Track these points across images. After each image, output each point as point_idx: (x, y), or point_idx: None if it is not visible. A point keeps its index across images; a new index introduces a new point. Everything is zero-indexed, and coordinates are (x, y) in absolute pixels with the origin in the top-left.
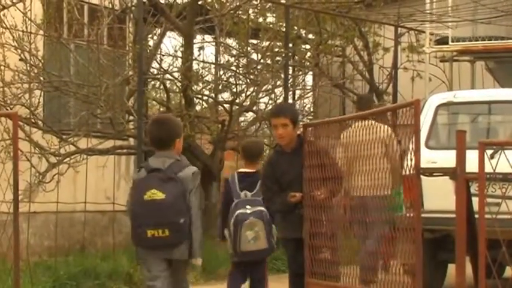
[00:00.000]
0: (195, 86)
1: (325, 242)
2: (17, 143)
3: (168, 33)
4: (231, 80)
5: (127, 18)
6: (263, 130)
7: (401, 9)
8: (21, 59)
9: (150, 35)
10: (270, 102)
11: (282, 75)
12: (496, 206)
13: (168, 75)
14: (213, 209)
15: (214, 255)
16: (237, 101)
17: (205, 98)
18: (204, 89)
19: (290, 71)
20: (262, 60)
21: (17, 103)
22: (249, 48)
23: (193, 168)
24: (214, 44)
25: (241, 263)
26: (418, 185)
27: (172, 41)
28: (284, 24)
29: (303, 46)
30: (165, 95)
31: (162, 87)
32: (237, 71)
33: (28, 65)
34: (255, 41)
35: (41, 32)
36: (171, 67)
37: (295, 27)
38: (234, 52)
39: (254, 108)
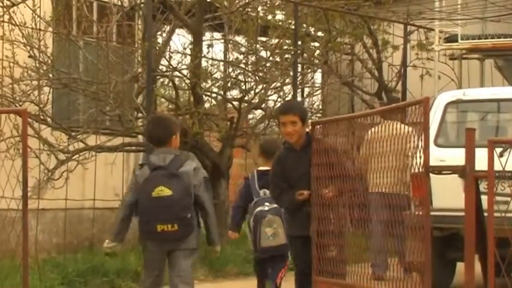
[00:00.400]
0: (204, 84)
1: (332, 240)
2: (26, 140)
3: (177, 31)
4: (240, 77)
5: (136, 15)
6: (272, 128)
7: (410, 7)
8: (30, 56)
9: (159, 32)
10: (279, 99)
11: (291, 73)
12: (505, 204)
13: (176, 73)
14: (221, 206)
15: (223, 253)
16: (246, 98)
17: (214, 95)
18: (212, 87)
19: (299, 69)
20: (271, 58)
21: (26, 100)
22: (257, 46)
23: (193, 162)
24: (223, 41)
25: (262, 259)
26: (427, 183)
27: (181, 39)
28: (293, 22)
29: (312, 44)
30: (174, 93)
31: (170, 84)
32: (246, 68)
33: (37, 62)
34: (264, 39)
35: (50, 29)
36: (179, 64)
37: (304, 25)
38: (243, 49)
39: (263, 105)
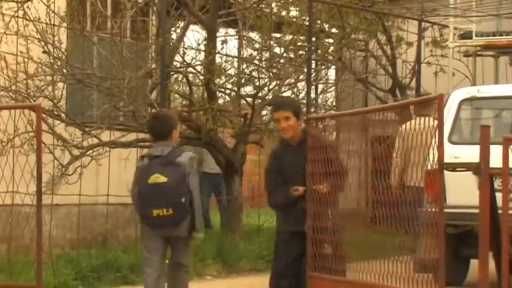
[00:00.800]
0: (218, 80)
1: (328, 236)
2: (40, 136)
3: (191, 27)
4: (254, 73)
5: (150, 11)
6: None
7: (425, 3)
8: (44, 52)
9: (173, 28)
10: (293, 96)
11: (305, 69)
12: None
13: (190, 69)
14: (235, 202)
15: (235, 249)
16: (260, 94)
17: (227, 91)
18: (226, 83)
19: (313, 65)
20: (285, 54)
21: (40, 95)
22: (272, 42)
23: (190, 153)
24: (237, 37)
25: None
26: (441, 179)
27: (195, 34)
28: (307, 18)
29: (326, 40)
30: (188, 89)
31: (184, 80)
32: (260, 64)
33: (51, 57)
34: (278, 35)
35: (64, 24)
36: (193, 60)
37: (318, 21)
38: (257, 46)
39: None
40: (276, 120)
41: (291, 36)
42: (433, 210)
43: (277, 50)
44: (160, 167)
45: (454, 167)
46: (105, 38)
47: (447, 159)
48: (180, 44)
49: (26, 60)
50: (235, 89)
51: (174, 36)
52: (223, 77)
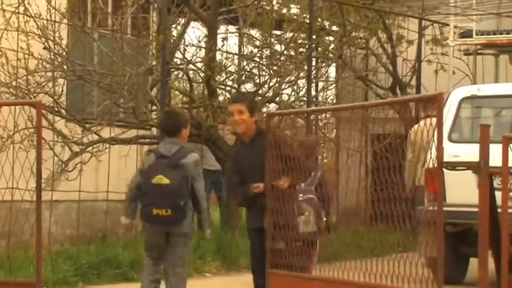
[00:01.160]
0: (218, 77)
1: (286, 232)
2: (41, 132)
3: (192, 24)
4: (254, 71)
5: (151, 8)
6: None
7: (425, 1)
8: (45, 48)
9: (173, 25)
10: (293, 93)
11: (305, 67)
12: None
13: (191, 66)
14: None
15: (235, 246)
16: (260, 92)
17: (228, 88)
18: (227, 80)
19: (313, 63)
20: (285, 52)
21: (40, 91)
22: (272, 39)
23: (195, 155)
24: (237, 34)
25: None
26: (440, 178)
27: (195, 31)
28: (308, 16)
29: (327, 38)
30: (188, 85)
31: (185, 77)
32: (260, 62)
33: (52, 53)
34: (278, 32)
35: (65, 20)
36: (194, 57)
37: (319, 19)
38: (258, 43)
39: (277, 99)
40: (230, 113)
41: (291, 34)
42: (433, 208)
43: (277, 47)
44: (165, 168)
45: (453, 166)
46: (105, 35)
47: (447, 157)
48: (180, 41)
49: (26, 56)
50: (236, 86)
51: (174, 33)
52: (223, 74)
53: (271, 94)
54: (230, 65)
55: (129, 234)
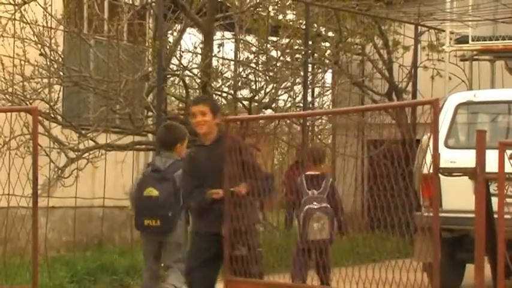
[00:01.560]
0: (215, 83)
1: (244, 238)
2: (37, 138)
3: (188, 30)
4: (251, 77)
5: (147, 14)
6: (281, 127)
7: (421, 7)
8: (41, 54)
9: (170, 31)
10: (289, 99)
11: (302, 73)
12: None
13: (187, 72)
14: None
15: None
16: (256, 98)
17: (224, 94)
18: (223, 86)
19: (309, 69)
20: (281, 58)
21: (36, 98)
22: (268, 46)
23: None
24: (233, 40)
25: (306, 251)
26: (436, 184)
27: (192, 38)
28: (304, 22)
29: (323, 44)
30: (185, 91)
31: (181, 83)
32: (257, 68)
33: (48, 60)
34: (274, 38)
35: (61, 27)
36: (190, 63)
37: (315, 25)
38: (254, 49)
39: (273, 105)
40: (193, 115)
41: (287, 40)
42: (429, 214)
43: (273, 53)
44: (155, 182)
45: (450, 172)
46: (102, 41)
47: (443, 163)
48: (176, 47)
49: (22, 62)
50: (232, 92)
51: (171, 39)
52: (219, 80)
53: (267, 100)
54: (226, 71)
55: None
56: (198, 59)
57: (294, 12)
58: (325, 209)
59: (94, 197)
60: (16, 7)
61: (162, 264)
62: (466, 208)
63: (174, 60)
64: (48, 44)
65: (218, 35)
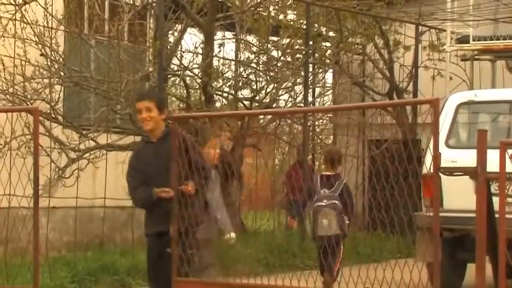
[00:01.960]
0: (215, 83)
1: (193, 238)
2: (38, 138)
3: (189, 30)
4: (251, 77)
5: (148, 14)
6: (282, 128)
7: (422, 7)
8: (42, 54)
9: (170, 31)
10: (290, 99)
11: (302, 73)
12: None
13: (188, 72)
14: (232, 206)
15: (233, 252)
16: (257, 98)
17: (225, 94)
18: (224, 86)
19: (310, 69)
20: (282, 58)
21: (37, 98)
22: (269, 46)
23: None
24: (234, 40)
25: (321, 249)
26: (437, 184)
27: (192, 38)
28: (305, 22)
29: (324, 44)
30: (185, 92)
31: (182, 83)
32: (257, 68)
33: (49, 60)
34: (275, 38)
35: (62, 27)
36: (191, 63)
37: (316, 25)
38: (254, 49)
39: (274, 105)
40: (138, 111)
41: (288, 40)
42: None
43: (274, 53)
44: None
45: (451, 171)
46: (102, 41)
47: (444, 163)
48: (177, 47)
49: (23, 63)
50: (233, 92)
51: (171, 39)
52: (220, 80)
53: (268, 100)
54: (227, 71)
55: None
56: (199, 59)
57: (295, 12)
58: (332, 205)
59: (95, 197)
60: (17, 7)
61: None
62: (467, 208)
63: (175, 61)
64: (48, 44)
65: (219, 35)
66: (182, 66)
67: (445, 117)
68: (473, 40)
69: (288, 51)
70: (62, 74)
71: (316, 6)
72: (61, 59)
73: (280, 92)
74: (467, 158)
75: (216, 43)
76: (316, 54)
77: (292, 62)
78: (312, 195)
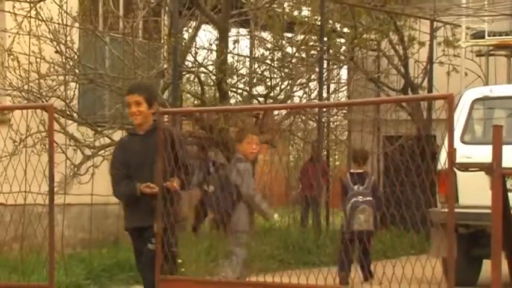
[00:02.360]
0: (230, 79)
1: (176, 234)
2: (53, 135)
3: (203, 27)
4: (266, 73)
5: (162, 11)
6: (297, 124)
7: (437, 3)
8: (56, 52)
9: (185, 28)
10: (305, 96)
11: (317, 69)
12: None
13: (202, 69)
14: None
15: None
16: (272, 94)
17: (239, 91)
18: (238, 83)
19: (325, 65)
20: (296, 54)
21: (52, 95)
22: (283, 42)
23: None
24: (249, 37)
25: (351, 240)
26: (452, 179)
27: (207, 34)
28: (319, 18)
29: (338, 40)
30: (200, 88)
31: (196, 80)
32: (272, 64)
33: (63, 57)
34: (289, 35)
35: (77, 24)
36: (205, 60)
37: (330, 21)
38: (269, 45)
39: (288, 102)
40: (128, 104)
41: (302, 36)
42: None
43: (289, 49)
44: None
45: (466, 167)
46: (117, 38)
47: (459, 159)
48: (192, 43)
49: (38, 60)
50: (247, 88)
51: (186, 36)
52: (235, 77)
53: (282, 96)
54: (241, 68)
55: None
56: (213, 55)
57: (309, 9)
58: (369, 202)
59: (110, 194)
60: (31, 4)
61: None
62: (482, 204)
63: (189, 57)
64: (63, 42)
65: (233, 31)
66: (197, 63)
67: (460, 113)
68: (489, 35)
69: (303, 47)
70: (76, 71)
71: (331, 2)
72: (76, 56)
73: (294, 89)
74: (483, 153)
75: (230, 40)
76: (331, 51)
77: (307, 59)
78: (347, 192)
